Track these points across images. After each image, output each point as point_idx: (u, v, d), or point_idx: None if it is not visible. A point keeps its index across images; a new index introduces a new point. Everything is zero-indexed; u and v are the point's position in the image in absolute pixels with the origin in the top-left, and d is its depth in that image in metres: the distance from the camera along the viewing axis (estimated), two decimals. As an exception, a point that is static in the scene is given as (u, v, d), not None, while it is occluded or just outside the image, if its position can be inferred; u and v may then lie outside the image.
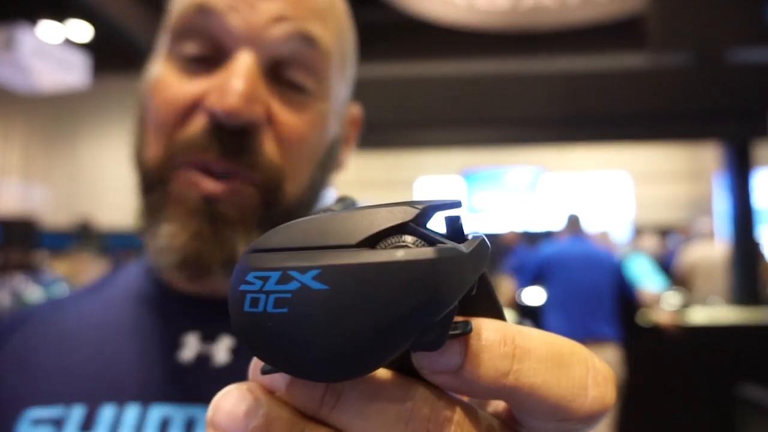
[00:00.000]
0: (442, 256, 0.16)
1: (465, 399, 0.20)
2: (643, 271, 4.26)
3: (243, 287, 0.18)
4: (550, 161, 8.78)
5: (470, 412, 0.19)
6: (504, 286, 4.27)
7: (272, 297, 0.17)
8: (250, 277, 0.18)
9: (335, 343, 0.17)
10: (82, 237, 5.97)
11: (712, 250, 4.72)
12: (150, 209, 0.50)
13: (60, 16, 7.07)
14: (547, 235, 6.72)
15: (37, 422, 0.46)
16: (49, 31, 6.86)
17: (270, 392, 0.19)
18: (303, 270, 0.17)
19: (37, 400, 0.48)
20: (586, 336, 3.00)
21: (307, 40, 0.49)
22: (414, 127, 4.45)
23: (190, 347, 0.50)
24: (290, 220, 0.19)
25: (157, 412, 0.46)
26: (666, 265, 5.45)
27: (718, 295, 4.40)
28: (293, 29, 0.48)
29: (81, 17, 7.15)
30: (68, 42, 6.75)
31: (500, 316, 0.20)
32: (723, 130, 4.24)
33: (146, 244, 0.51)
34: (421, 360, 0.18)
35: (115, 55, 7.72)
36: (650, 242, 5.92)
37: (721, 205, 4.54)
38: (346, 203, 0.25)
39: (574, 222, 3.40)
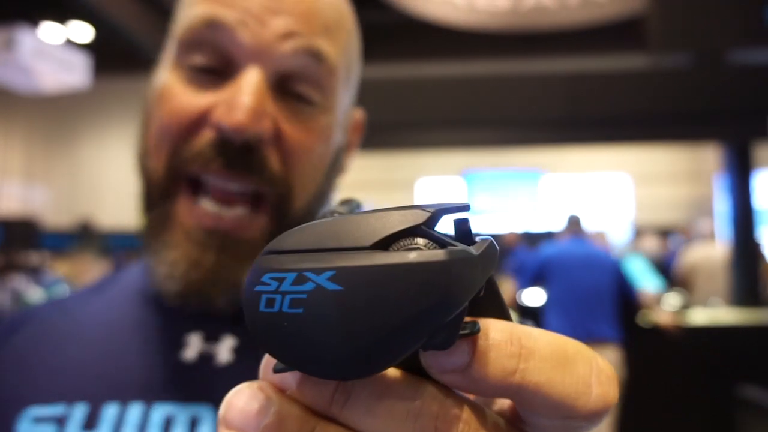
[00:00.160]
0: (453, 258, 0.17)
1: (472, 398, 0.21)
2: (639, 271, 4.26)
3: (258, 288, 0.18)
4: (550, 162, 8.78)
5: (477, 411, 0.19)
6: (504, 287, 4.27)
7: (288, 297, 0.17)
8: (265, 278, 0.18)
9: (349, 342, 0.17)
10: (83, 238, 5.97)
11: (712, 251, 4.72)
12: (152, 227, 0.51)
13: (61, 17, 7.07)
14: (548, 236, 6.72)
15: (39, 420, 0.46)
16: (49, 32, 6.86)
17: (281, 391, 0.20)
18: (318, 271, 0.17)
19: (38, 399, 0.48)
20: (586, 337, 3.00)
21: (314, 56, 0.49)
22: (414, 127, 4.45)
23: (193, 347, 0.50)
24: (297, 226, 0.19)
25: (160, 411, 0.46)
26: (666, 265, 5.45)
27: (718, 296, 4.40)
28: (301, 45, 0.49)
29: (82, 18, 7.16)
30: (69, 43, 6.76)
31: (506, 317, 0.21)
32: (723, 131, 4.24)
33: (150, 265, 0.51)
34: (429, 359, 0.19)
35: (116, 55, 7.72)
36: (649, 243, 5.92)
37: (722, 206, 4.54)
38: (351, 205, 0.26)
39: (574, 223, 3.40)
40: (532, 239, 6.67)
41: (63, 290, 4.34)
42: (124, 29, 4.65)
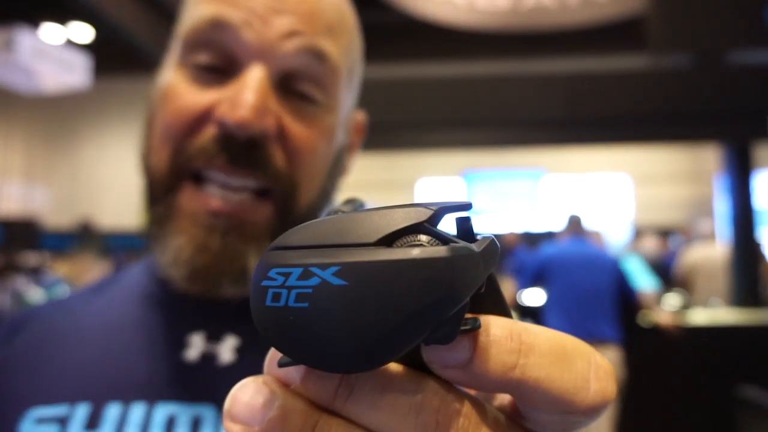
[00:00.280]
0: (455, 254, 0.17)
1: (473, 393, 0.21)
2: (635, 270, 4.26)
3: (265, 282, 0.18)
4: (550, 163, 8.78)
5: (478, 405, 0.20)
6: (504, 287, 4.27)
7: (294, 292, 0.18)
8: (272, 273, 0.18)
9: (354, 336, 0.17)
10: (83, 238, 5.97)
11: (712, 251, 4.72)
12: (157, 220, 0.51)
13: (61, 17, 7.08)
14: (548, 236, 6.72)
15: (41, 421, 0.46)
16: (50, 32, 6.87)
17: (285, 385, 0.20)
18: (324, 266, 0.18)
19: (40, 400, 0.48)
20: (586, 337, 3.00)
21: (317, 55, 0.50)
22: (415, 128, 4.45)
23: (196, 347, 0.50)
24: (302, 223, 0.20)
25: (162, 411, 0.46)
26: (666, 266, 5.44)
27: (718, 297, 4.40)
28: (304, 44, 0.49)
29: (82, 19, 7.16)
30: (69, 43, 6.76)
31: (507, 314, 0.21)
32: (723, 131, 4.24)
33: (156, 256, 0.52)
34: (431, 355, 0.19)
35: (116, 56, 7.72)
36: (648, 243, 5.92)
37: (722, 206, 4.54)
38: (354, 204, 0.26)
39: (574, 223, 3.40)
40: (532, 239, 6.67)
41: (63, 291, 4.34)
42: (125, 30, 4.66)
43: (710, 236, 4.96)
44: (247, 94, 0.47)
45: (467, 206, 0.19)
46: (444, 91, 4.41)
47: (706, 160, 8.40)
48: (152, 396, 0.47)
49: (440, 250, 0.17)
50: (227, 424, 0.20)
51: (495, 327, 0.19)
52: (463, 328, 0.19)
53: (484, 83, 4.46)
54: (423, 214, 0.19)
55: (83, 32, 7.40)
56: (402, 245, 0.18)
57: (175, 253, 0.48)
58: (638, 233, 6.65)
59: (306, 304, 0.18)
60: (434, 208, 0.19)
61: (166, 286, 0.55)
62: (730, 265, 4.25)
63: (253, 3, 0.49)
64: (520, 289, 3.56)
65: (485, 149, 6.95)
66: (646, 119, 4.31)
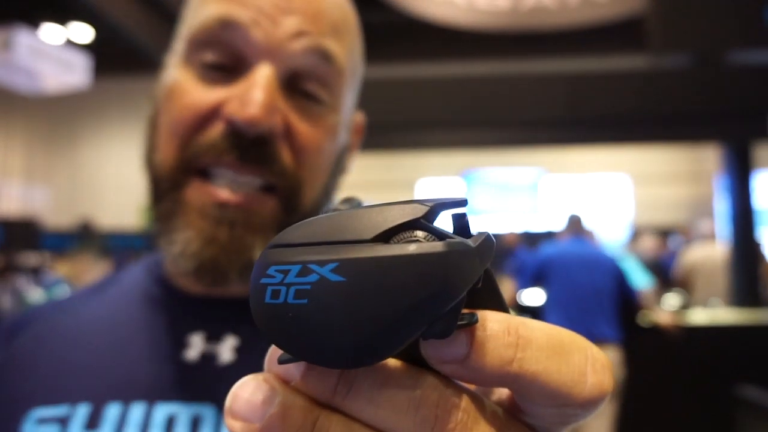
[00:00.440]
0: (451, 249, 0.18)
1: (471, 388, 0.21)
2: (629, 270, 4.26)
3: (264, 280, 0.19)
4: (550, 163, 8.78)
5: (476, 400, 0.20)
6: (504, 287, 4.27)
7: (293, 289, 0.18)
8: (271, 271, 0.19)
9: (352, 331, 0.18)
10: (84, 238, 5.97)
11: (712, 251, 4.72)
12: (163, 216, 0.51)
13: (61, 18, 7.08)
14: (548, 236, 6.72)
15: (42, 421, 0.47)
16: (50, 32, 6.87)
17: (285, 382, 0.20)
18: (322, 263, 0.18)
19: (42, 400, 0.48)
20: (586, 336, 3.00)
21: (324, 56, 0.51)
22: (414, 128, 4.45)
23: (196, 347, 0.50)
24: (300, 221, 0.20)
25: (162, 411, 0.47)
26: (665, 266, 5.44)
27: (718, 297, 4.40)
28: (311, 44, 0.50)
29: (82, 19, 7.17)
30: (69, 43, 6.76)
31: (504, 309, 0.21)
32: (723, 131, 4.23)
33: (162, 251, 0.52)
34: (429, 350, 0.19)
35: (116, 56, 7.73)
36: (646, 243, 5.91)
37: (722, 206, 4.54)
38: (352, 203, 0.26)
39: (574, 223, 3.40)
40: (532, 239, 6.67)
41: (63, 291, 4.34)
42: (125, 30, 4.66)
43: (710, 236, 4.96)
44: (257, 92, 0.47)
45: (463, 203, 0.20)
46: (444, 91, 4.41)
47: (706, 160, 8.40)
48: (152, 396, 0.47)
49: (436, 246, 0.18)
50: (228, 421, 0.20)
51: (492, 321, 0.20)
52: (460, 323, 0.19)
53: (484, 83, 4.46)
54: (419, 211, 0.19)
55: (83, 32, 7.40)
56: (399, 241, 0.18)
57: (182, 246, 0.48)
58: (636, 233, 6.64)
59: (305, 301, 0.18)
60: (430, 204, 0.19)
61: (167, 286, 0.56)
62: (730, 265, 4.25)
63: (262, 3, 0.49)
64: (520, 289, 3.56)
65: (485, 149, 6.95)
66: (645, 119, 4.31)
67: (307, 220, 0.20)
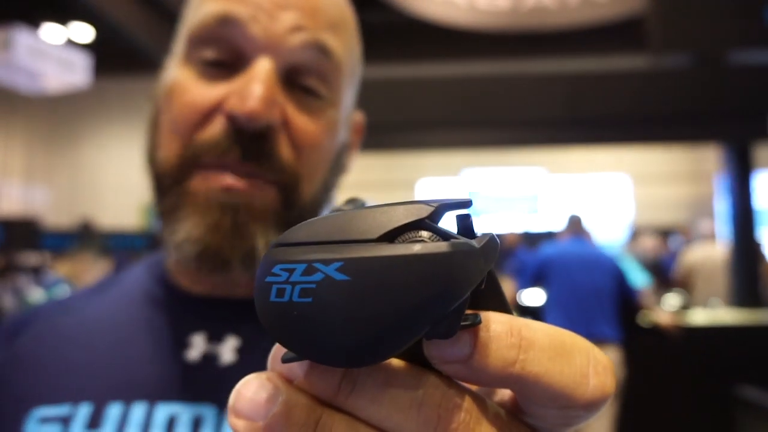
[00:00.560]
0: (456, 250, 0.18)
1: (474, 388, 0.21)
2: (627, 269, 4.27)
3: (269, 278, 0.19)
4: (550, 163, 8.78)
5: (478, 400, 0.20)
6: (505, 287, 4.27)
7: (298, 287, 0.18)
8: (276, 269, 0.19)
9: (356, 330, 0.18)
10: (84, 237, 5.97)
11: (713, 251, 4.72)
12: (167, 209, 0.51)
13: (61, 18, 7.09)
14: (548, 236, 6.72)
15: (44, 420, 0.47)
16: (50, 32, 6.88)
17: (289, 381, 0.20)
18: (327, 262, 0.18)
19: (44, 400, 0.48)
20: (586, 336, 2.99)
21: (322, 50, 0.51)
22: (415, 128, 4.45)
23: (197, 347, 0.50)
24: (304, 221, 0.20)
25: (163, 411, 0.47)
26: (664, 266, 5.45)
27: (718, 297, 4.41)
28: (310, 39, 0.50)
29: (82, 19, 7.17)
30: (70, 43, 6.77)
31: (507, 310, 0.21)
32: (723, 131, 4.23)
33: (164, 242, 0.52)
34: (432, 350, 0.19)
35: (116, 56, 7.73)
36: (645, 242, 5.91)
37: (722, 206, 4.54)
38: (356, 204, 0.26)
39: (574, 222, 3.40)
40: (532, 239, 6.66)
41: (64, 291, 4.34)
42: (125, 30, 4.67)
43: (710, 236, 4.96)
44: (256, 86, 0.47)
45: (468, 203, 0.20)
46: (444, 90, 4.41)
47: (706, 160, 8.40)
48: (153, 396, 0.48)
49: (441, 246, 0.18)
50: (231, 419, 0.20)
51: (495, 323, 0.20)
52: (463, 323, 0.19)
53: (484, 83, 4.46)
54: (424, 211, 0.19)
55: (83, 32, 7.41)
56: (403, 241, 0.18)
57: (186, 233, 0.48)
58: (635, 233, 6.64)
59: (310, 299, 0.18)
60: (435, 204, 0.19)
61: (168, 285, 0.56)
62: (730, 265, 4.25)
63: None
64: (521, 289, 3.56)
65: (485, 149, 6.96)
66: (645, 119, 4.31)
67: (311, 219, 0.20)
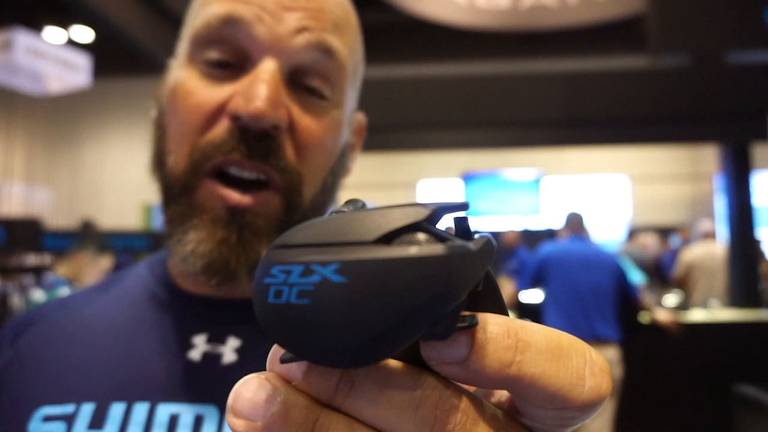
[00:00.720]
0: (452, 252, 0.18)
1: (471, 390, 0.21)
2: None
3: (267, 280, 0.19)
4: (550, 164, 8.78)
5: (476, 401, 0.20)
6: (505, 288, 4.27)
7: (295, 289, 0.18)
8: (274, 271, 0.19)
9: (353, 331, 0.18)
10: (83, 236, 5.97)
11: (713, 249, 4.72)
12: (175, 218, 0.51)
13: (63, 20, 7.09)
14: (549, 234, 6.71)
15: (48, 419, 0.47)
16: (51, 34, 6.88)
17: (287, 381, 0.20)
18: (324, 264, 0.18)
19: (48, 399, 0.49)
20: (585, 335, 3.01)
21: (326, 51, 0.51)
22: (415, 129, 4.45)
23: (199, 348, 0.51)
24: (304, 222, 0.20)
25: (165, 410, 0.47)
26: (664, 265, 5.45)
27: (717, 297, 4.41)
28: (314, 39, 0.50)
29: (83, 21, 7.18)
30: (71, 45, 6.77)
31: (504, 312, 0.21)
32: (722, 131, 4.23)
33: (170, 251, 0.52)
34: (430, 351, 0.20)
35: (117, 58, 7.74)
36: (645, 241, 5.91)
37: (721, 207, 4.54)
38: (356, 205, 0.27)
39: (574, 221, 3.39)
40: (532, 237, 6.66)
41: (65, 291, 4.34)
42: (125, 32, 4.67)
43: (710, 235, 4.96)
44: (261, 86, 0.47)
45: (464, 206, 0.20)
46: (444, 91, 4.41)
47: (705, 161, 8.40)
48: (155, 396, 0.48)
49: (437, 248, 0.18)
50: (230, 419, 0.20)
51: (492, 324, 0.20)
52: (460, 325, 0.19)
53: (484, 84, 4.46)
54: (421, 213, 0.19)
55: (84, 34, 7.42)
56: (400, 243, 0.19)
57: (194, 246, 0.49)
58: (633, 233, 6.65)
59: (307, 301, 0.18)
60: (432, 207, 0.19)
61: (170, 286, 0.56)
62: (729, 266, 4.25)
63: (264, 0, 0.50)
64: (521, 289, 3.56)
65: (485, 150, 6.96)
66: (645, 119, 4.31)
67: (310, 221, 0.20)
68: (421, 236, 0.19)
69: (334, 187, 0.57)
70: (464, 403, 0.20)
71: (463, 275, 0.18)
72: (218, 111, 0.50)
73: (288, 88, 0.51)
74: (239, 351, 0.51)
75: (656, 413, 3.43)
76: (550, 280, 3.22)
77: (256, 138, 0.48)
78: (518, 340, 0.20)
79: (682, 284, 4.69)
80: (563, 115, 4.29)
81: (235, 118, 0.48)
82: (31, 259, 5.39)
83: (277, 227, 0.51)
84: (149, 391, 0.48)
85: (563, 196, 8.87)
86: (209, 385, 0.49)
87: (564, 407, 0.20)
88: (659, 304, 3.92)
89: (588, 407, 0.20)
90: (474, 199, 8.54)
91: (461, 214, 0.20)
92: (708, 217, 6.54)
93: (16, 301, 3.97)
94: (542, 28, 5.35)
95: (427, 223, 0.19)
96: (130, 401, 0.47)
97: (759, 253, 4.26)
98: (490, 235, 0.20)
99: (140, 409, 0.47)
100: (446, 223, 0.20)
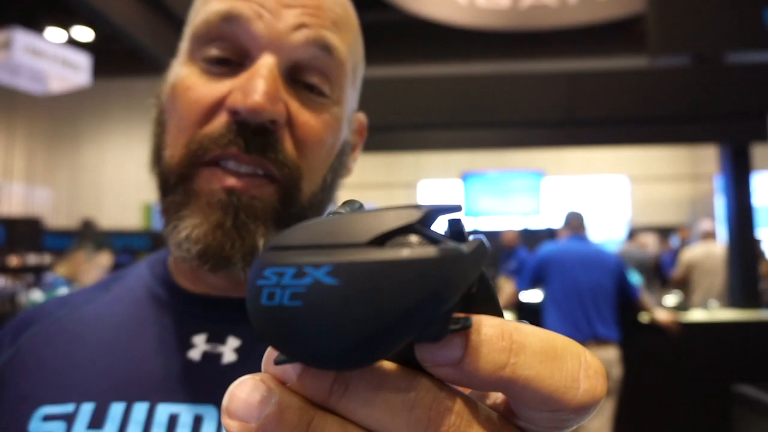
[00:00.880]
0: (444, 254, 0.18)
1: (466, 392, 0.21)
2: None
3: (260, 282, 0.19)
4: (550, 164, 8.79)
5: (470, 403, 0.20)
6: (504, 288, 4.27)
7: (288, 291, 0.18)
8: (267, 273, 0.19)
9: (346, 333, 0.18)
10: (82, 236, 5.98)
11: (713, 248, 4.72)
12: (171, 207, 0.51)
13: (63, 20, 7.10)
14: (549, 234, 6.71)
15: (48, 419, 0.47)
16: (52, 34, 6.89)
17: (282, 383, 0.20)
18: (317, 266, 0.18)
19: (49, 399, 0.49)
20: (584, 335, 3.01)
21: (325, 47, 0.51)
22: (415, 129, 4.45)
23: (198, 347, 0.51)
24: (304, 219, 0.20)
25: (164, 410, 0.47)
26: (664, 265, 5.45)
27: (716, 298, 4.41)
28: (312, 36, 0.51)
29: (83, 21, 7.18)
30: (71, 44, 6.78)
31: (499, 314, 0.21)
32: (722, 132, 4.23)
33: (167, 239, 0.52)
34: (424, 353, 0.20)
35: (117, 58, 7.74)
36: (644, 240, 5.92)
37: (721, 208, 4.54)
38: (353, 206, 0.27)
39: (573, 221, 3.39)
40: (532, 237, 6.65)
41: (64, 292, 4.33)
42: (125, 32, 4.67)
43: (710, 235, 4.96)
44: (258, 81, 0.48)
45: (458, 208, 0.20)
46: (444, 91, 4.41)
47: (704, 161, 8.41)
48: (155, 395, 0.48)
49: (430, 251, 0.18)
50: (225, 420, 0.20)
51: (486, 326, 0.20)
52: (454, 327, 0.19)
53: (484, 84, 4.45)
54: (414, 216, 0.19)
55: (84, 34, 7.42)
56: (393, 245, 0.19)
57: (189, 231, 0.49)
58: (632, 233, 6.65)
59: (300, 303, 0.18)
60: (425, 209, 0.19)
61: (170, 285, 0.56)
62: (729, 266, 4.25)
63: None
64: (521, 289, 3.55)
65: (485, 150, 6.97)
66: (645, 120, 4.31)
67: (304, 222, 0.20)
68: (413, 238, 0.19)
69: (333, 185, 0.57)
70: (458, 405, 0.20)
71: (456, 277, 0.18)
72: (217, 106, 0.50)
73: (287, 85, 0.51)
74: (239, 351, 0.51)
75: (656, 413, 3.43)
76: (549, 279, 3.22)
77: (254, 132, 0.49)
78: (512, 342, 0.20)
79: (682, 284, 4.69)
80: (563, 115, 4.28)
81: (234, 113, 0.49)
82: (32, 259, 5.40)
83: (274, 217, 0.50)
84: (149, 391, 0.48)
85: (563, 196, 8.87)
86: (209, 385, 0.49)
87: (558, 409, 0.20)
88: (659, 304, 3.92)
89: (582, 409, 0.20)
90: (474, 199, 8.54)
91: (455, 216, 0.20)
92: (708, 218, 6.54)
93: (23, 299, 3.98)
94: (542, 28, 5.35)
95: (420, 226, 0.19)
96: (130, 401, 0.47)
97: (759, 253, 4.25)
98: (483, 238, 0.20)
99: (140, 409, 0.47)
100: (441, 225, 0.20)
